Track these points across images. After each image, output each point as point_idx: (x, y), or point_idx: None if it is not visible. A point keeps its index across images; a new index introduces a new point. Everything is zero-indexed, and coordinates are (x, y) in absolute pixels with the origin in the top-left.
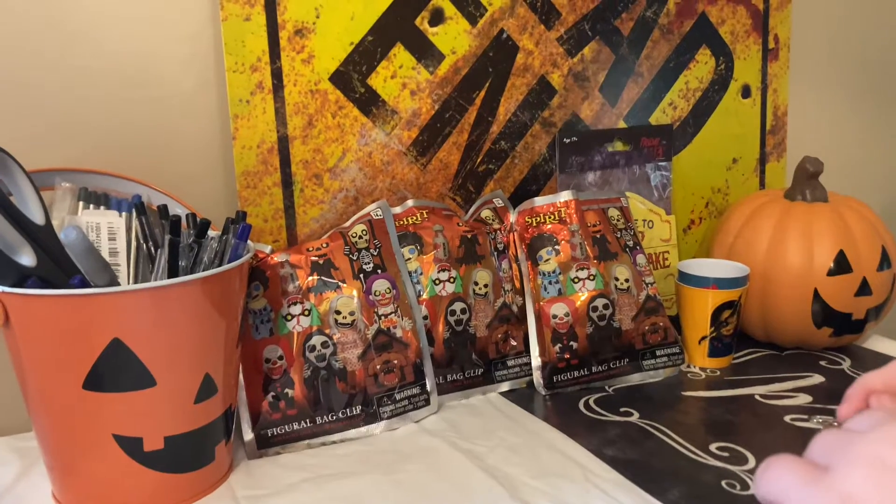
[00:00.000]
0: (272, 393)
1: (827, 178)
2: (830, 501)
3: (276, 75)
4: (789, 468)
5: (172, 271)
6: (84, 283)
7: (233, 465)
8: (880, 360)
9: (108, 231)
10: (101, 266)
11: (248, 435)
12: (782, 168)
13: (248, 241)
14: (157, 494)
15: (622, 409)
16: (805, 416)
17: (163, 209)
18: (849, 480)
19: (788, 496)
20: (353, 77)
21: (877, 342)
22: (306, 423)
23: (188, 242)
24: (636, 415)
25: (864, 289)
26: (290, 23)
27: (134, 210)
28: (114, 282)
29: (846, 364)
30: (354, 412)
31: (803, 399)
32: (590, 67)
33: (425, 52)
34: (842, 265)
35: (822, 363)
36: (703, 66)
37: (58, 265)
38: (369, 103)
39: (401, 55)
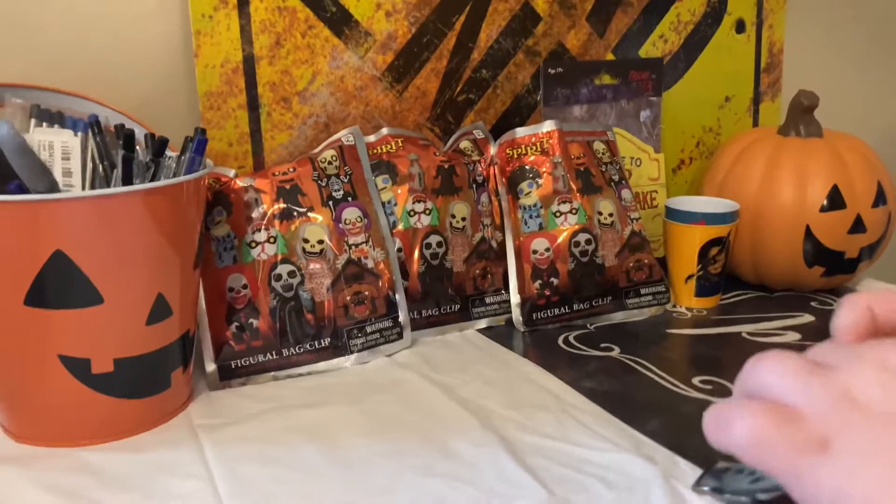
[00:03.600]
0: (236, 323)
1: (824, 119)
2: (829, 391)
3: None
4: (788, 360)
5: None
6: (22, 190)
7: (193, 395)
8: None
9: (61, 150)
10: (39, 169)
11: (211, 366)
12: (777, 108)
13: (208, 160)
14: (110, 420)
15: (603, 345)
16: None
17: (120, 129)
18: (854, 377)
19: (782, 385)
20: None
21: (870, 285)
22: (272, 354)
23: (144, 161)
24: (617, 350)
25: (858, 226)
26: None
27: (90, 130)
28: (54, 188)
29: (837, 305)
30: (323, 344)
31: (792, 337)
32: None
33: None
34: (835, 201)
35: (813, 304)
36: None
37: None
38: (341, 23)
39: None
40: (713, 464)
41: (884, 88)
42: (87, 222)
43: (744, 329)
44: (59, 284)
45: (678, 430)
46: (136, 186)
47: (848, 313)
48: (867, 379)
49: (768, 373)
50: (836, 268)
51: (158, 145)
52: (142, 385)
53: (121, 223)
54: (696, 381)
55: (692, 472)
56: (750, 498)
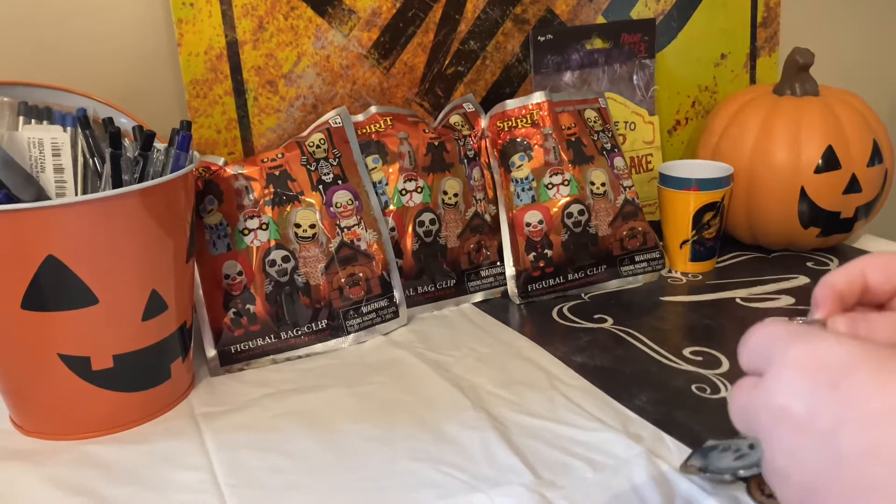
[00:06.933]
0: (233, 309)
1: (822, 74)
2: (768, 409)
3: None
4: (739, 388)
5: (117, 186)
6: (10, 199)
7: (194, 383)
8: None
9: (51, 147)
10: (23, 179)
11: (211, 352)
12: (774, 63)
13: (195, 153)
14: (113, 413)
15: (596, 316)
16: (785, 319)
17: (108, 122)
18: (780, 389)
19: (738, 410)
20: None
21: (868, 241)
22: (270, 338)
23: (133, 156)
24: (610, 321)
25: (853, 186)
26: None
27: (78, 124)
28: (41, 196)
29: (834, 264)
30: (320, 326)
31: (786, 301)
32: None
33: None
34: (830, 161)
35: (809, 264)
36: None
37: None
38: (324, 3)
39: None
40: (701, 443)
41: (885, 39)
42: (76, 227)
43: (738, 294)
44: (54, 288)
45: (666, 405)
46: (122, 189)
47: (838, 275)
48: (792, 388)
49: (737, 402)
50: (831, 228)
51: (145, 139)
52: (142, 378)
53: (110, 225)
54: (686, 352)
55: (677, 449)
56: (731, 475)
